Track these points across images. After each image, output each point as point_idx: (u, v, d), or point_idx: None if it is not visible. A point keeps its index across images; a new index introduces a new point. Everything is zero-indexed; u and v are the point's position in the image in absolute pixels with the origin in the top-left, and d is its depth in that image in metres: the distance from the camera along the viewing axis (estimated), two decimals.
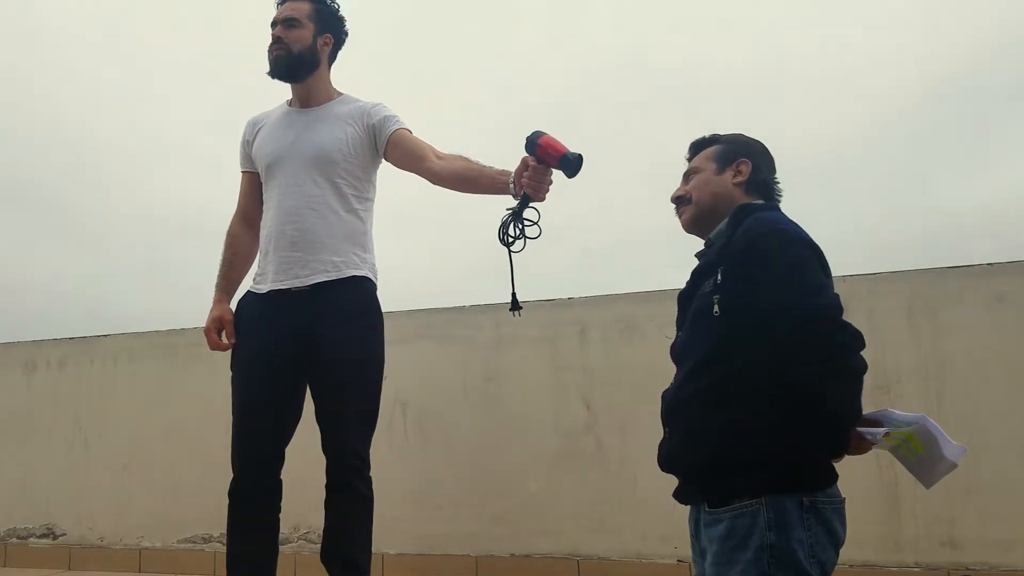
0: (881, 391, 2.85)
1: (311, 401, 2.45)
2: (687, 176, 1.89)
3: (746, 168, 1.81)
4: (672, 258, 1.88)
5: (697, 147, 1.91)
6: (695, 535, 1.71)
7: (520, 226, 2.10)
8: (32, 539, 4.05)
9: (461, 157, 2.38)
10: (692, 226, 1.86)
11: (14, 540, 4.08)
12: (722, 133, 1.90)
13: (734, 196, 1.79)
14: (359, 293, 2.44)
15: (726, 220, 1.76)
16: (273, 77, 2.54)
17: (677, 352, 1.78)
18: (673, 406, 1.71)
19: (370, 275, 2.49)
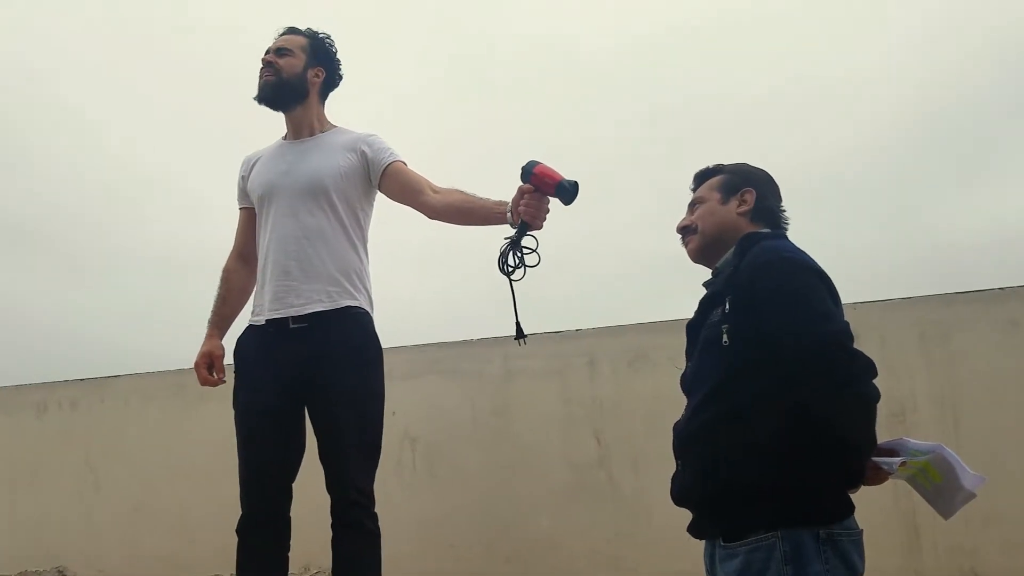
0: (896, 419, 2.82)
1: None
2: (692, 206, 1.89)
3: (750, 197, 1.81)
4: (681, 285, 1.88)
5: (701, 177, 1.91)
6: (710, 570, 1.68)
7: (519, 254, 2.10)
8: None
9: (457, 190, 2.40)
10: (698, 256, 1.85)
11: None
12: (726, 163, 1.90)
13: (739, 225, 1.79)
14: (356, 327, 2.43)
15: (732, 249, 1.76)
16: (260, 102, 2.56)
17: (687, 383, 1.76)
18: (684, 438, 1.69)
19: (366, 306, 2.48)
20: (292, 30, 2.63)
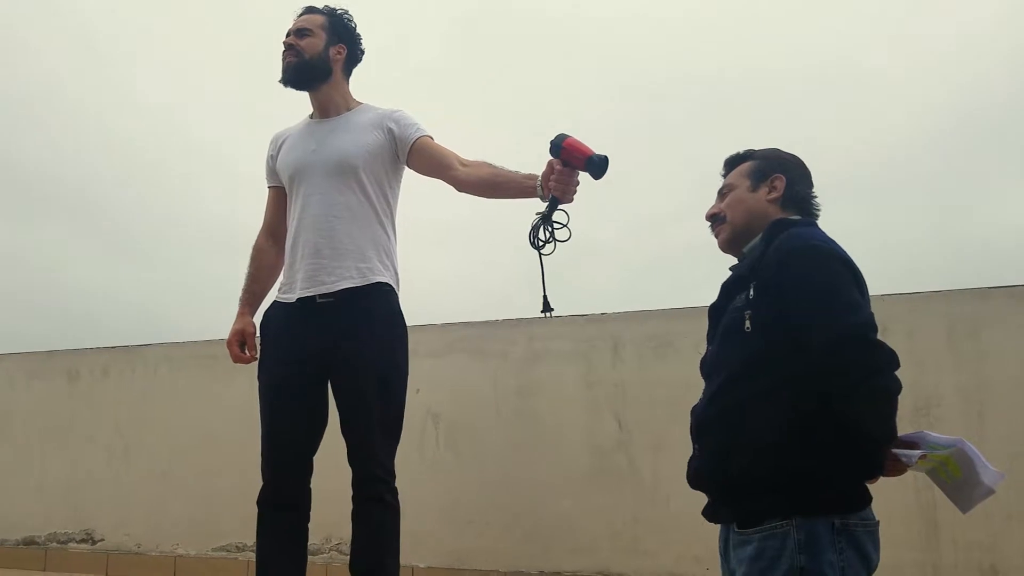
0: (921, 413, 2.79)
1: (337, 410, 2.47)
2: (721, 193, 1.87)
3: (780, 184, 1.78)
4: (712, 273, 1.87)
5: (731, 163, 1.89)
6: (724, 555, 1.69)
7: (550, 229, 2.11)
8: (72, 544, 4.13)
9: (486, 163, 2.40)
10: (728, 246, 1.84)
11: (54, 544, 4.16)
12: (757, 149, 1.88)
13: (769, 212, 1.77)
14: (382, 303, 2.45)
15: (760, 235, 1.74)
16: (284, 84, 2.58)
17: (707, 366, 1.76)
18: (703, 423, 1.69)
19: (393, 283, 2.50)
20: (310, 9, 2.63)
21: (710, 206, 1.88)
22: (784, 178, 1.79)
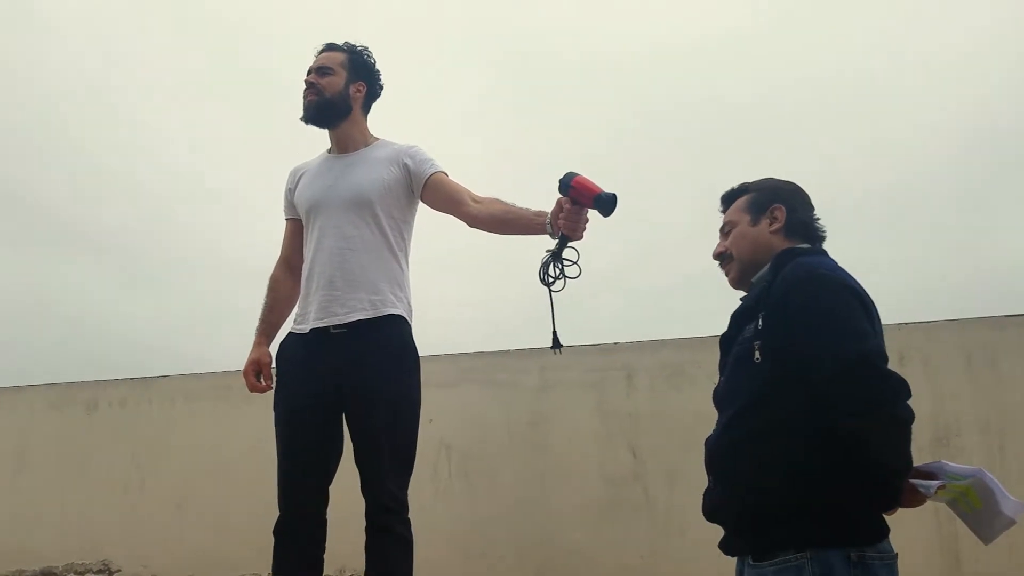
0: (940, 444, 2.76)
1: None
2: (724, 231, 1.88)
3: (781, 214, 1.78)
4: (723, 302, 1.87)
5: (728, 199, 1.89)
6: None
7: (560, 266, 2.12)
8: (89, 574, 4.13)
9: (498, 200, 2.43)
10: (739, 283, 1.84)
11: (71, 575, 4.16)
12: (750, 181, 1.88)
13: (773, 244, 1.77)
14: (395, 334, 2.47)
15: (768, 265, 1.74)
16: (306, 122, 2.63)
17: (719, 397, 1.75)
18: (716, 454, 1.68)
19: (406, 315, 2.52)
20: (331, 47, 2.68)
21: (715, 245, 1.89)
22: (784, 207, 1.79)
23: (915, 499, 1.55)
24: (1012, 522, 1.54)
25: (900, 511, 1.57)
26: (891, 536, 1.56)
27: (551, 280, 2.14)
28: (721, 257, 1.87)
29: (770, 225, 1.79)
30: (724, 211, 1.90)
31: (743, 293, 1.84)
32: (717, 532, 1.71)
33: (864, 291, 1.61)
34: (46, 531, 4.26)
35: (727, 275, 1.86)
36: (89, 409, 4.37)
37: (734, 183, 1.92)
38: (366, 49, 2.71)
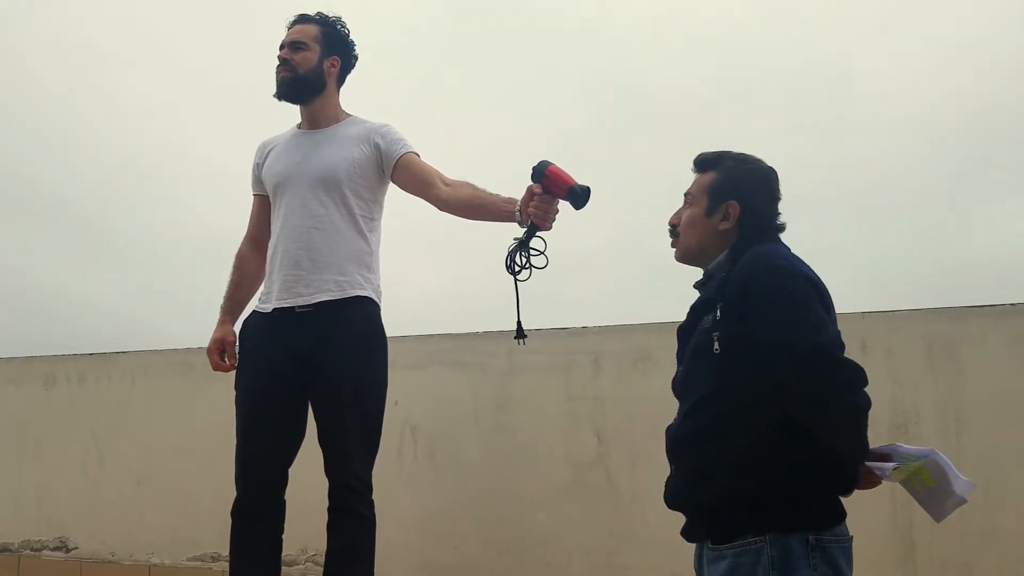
0: (899, 431, 2.80)
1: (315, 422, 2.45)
2: (686, 198, 1.86)
3: (733, 212, 1.76)
4: (692, 288, 1.87)
5: (701, 166, 1.86)
6: (699, 572, 1.69)
7: (526, 255, 2.10)
8: (45, 551, 4.07)
9: (468, 184, 2.41)
10: (682, 261, 1.86)
11: (28, 552, 4.10)
12: (729, 154, 1.83)
13: (720, 241, 1.77)
14: (362, 314, 2.45)
15: (725, 253, 1.75)
16: (279, 99, 2.58)
17: (678, 387, 1.76)
18: (676, 443, 1.70)
19: (374, 296, 2.50)
20: (303, 18, 2.61)
21: (676, 209, 1.88)
22: (738, 207, 1.76)
23: (871, 481, 1.59)
24: (963, 500, 1.58)
25: (857, 495, 1.60)
26: (848, 521, 1.59)
27: (517, 269, 2.11)
28: (672, 230, 1.86)
29: (721, 222, 1.77)
30: (695, 172, 1.87)
31: (695, 279, 1.84)
32: (676, 517, 1.72)
33: (819, 279, 1.63)
34: (2, 507, 4.19)
35: (672, 247, 1.87)
36: (47, 384, 4.29)
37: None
38: (340, 20, 2.64)
